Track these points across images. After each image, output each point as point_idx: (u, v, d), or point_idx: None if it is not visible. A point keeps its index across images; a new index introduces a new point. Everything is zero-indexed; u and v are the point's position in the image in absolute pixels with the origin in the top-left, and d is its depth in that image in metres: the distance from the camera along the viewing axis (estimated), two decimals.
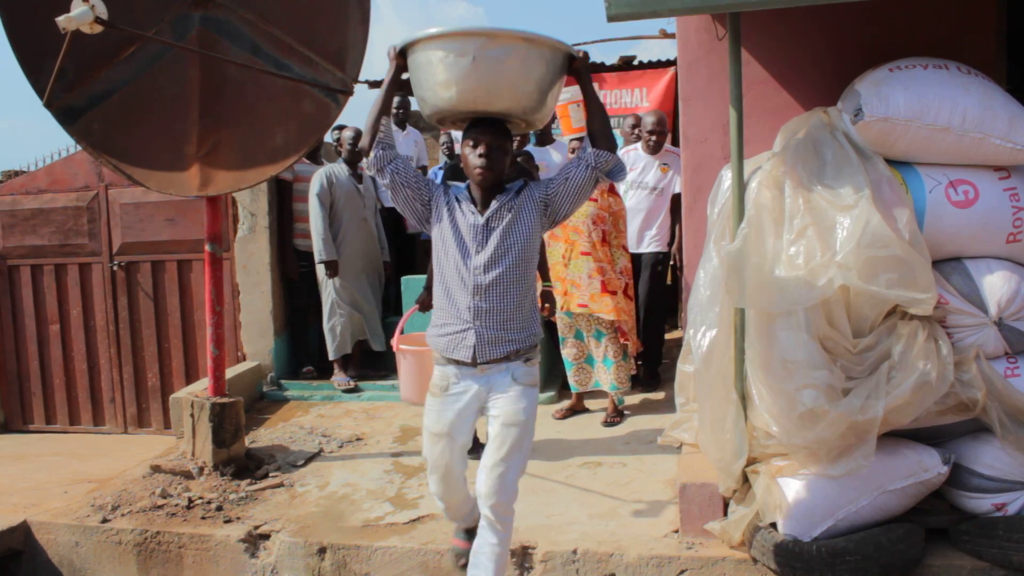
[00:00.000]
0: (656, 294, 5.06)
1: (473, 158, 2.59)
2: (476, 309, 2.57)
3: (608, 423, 4.53)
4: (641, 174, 5.03)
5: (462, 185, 2.73)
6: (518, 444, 2.62)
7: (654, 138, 4.98)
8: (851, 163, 2.80)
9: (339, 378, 5.39)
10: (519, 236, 2.60)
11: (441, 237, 2.64)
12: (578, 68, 2.65)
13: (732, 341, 2.99)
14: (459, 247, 2.60)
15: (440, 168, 6.73)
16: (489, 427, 2.66)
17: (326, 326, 5.38)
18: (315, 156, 5.75)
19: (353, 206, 5.39)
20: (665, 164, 5.01)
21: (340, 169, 5.41)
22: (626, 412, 4.65)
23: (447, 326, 2.63)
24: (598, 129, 2.64)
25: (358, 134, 5.53)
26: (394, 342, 3.89)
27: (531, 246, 2.64)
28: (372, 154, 2.63)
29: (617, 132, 5.44)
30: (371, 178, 6.12)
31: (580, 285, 4.42)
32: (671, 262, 5.22)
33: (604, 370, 4.51)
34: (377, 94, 2.70)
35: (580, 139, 4.62)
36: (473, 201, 2.65)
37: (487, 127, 2.61)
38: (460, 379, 2.64)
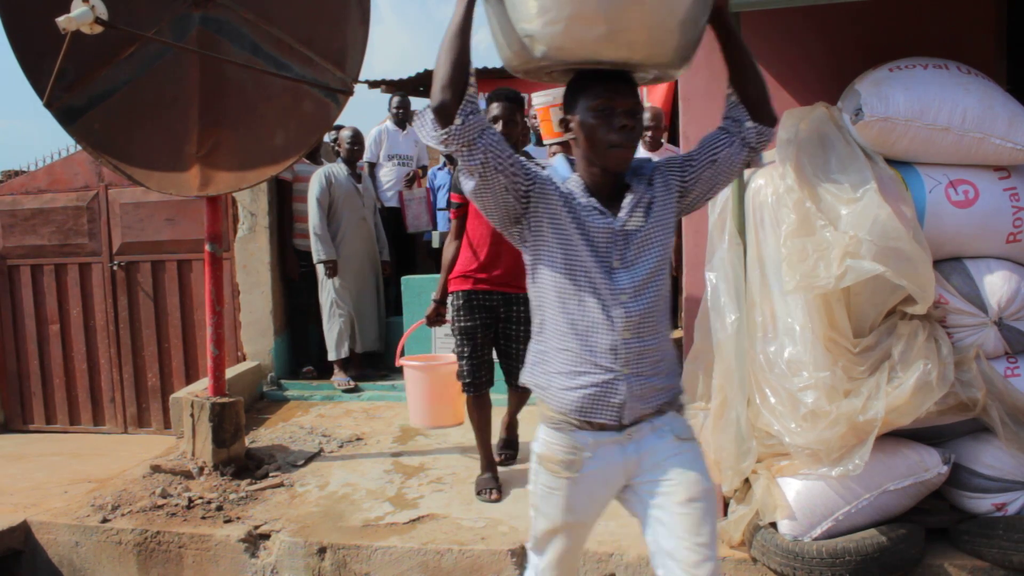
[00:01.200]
0: None
1: (607, 131, 1.81)
2: (626, 351, 1.84)
3: None
4: None
5: (561, 169, 1.95)
6: (713, 517, 1.89)
7: (650, 133, 4.97)
8: (857, 158, 2.80)
9: (339, 378, 5.39)
10: (664, 242, 1.90)
11: (561, 247, 1.85)
12: (721, 6, 1.94)
13: (736, 340, 2.99)
14: (598, 263, 1.84)
15: (440, 168, 6.75)
16: (652, 509, 1.90)
17: (325, 326, 5.38)
18: (315, 156, 5.76)
19: (352, 206, 5.39)
20: None
21: (339, 169, 5.41)
22: None
23: (579, 376, 1.86)
24: (756, 93, 1.93)
25: (356, 134, 5.53)
26: (398, 358, 3.82)
27: (670, 254, 1.96)
28: (459, 119, 1.77)
29: None
30: (370, 177, 6.14)
31: None
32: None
33: None
34: (450, 30, 1.82)
35: (563, 143, 4.38)
36: (591, 193, 1.89)
37: (621, 83, 1.85)
38: (597, 450, 1.88)
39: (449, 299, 3.70)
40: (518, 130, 3.55)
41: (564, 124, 1.92)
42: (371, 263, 5.59)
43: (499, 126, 3.44)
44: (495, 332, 3.70)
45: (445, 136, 1.80)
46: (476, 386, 3.65)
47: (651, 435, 1.90)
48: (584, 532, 2.01)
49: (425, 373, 3.87)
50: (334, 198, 5.31)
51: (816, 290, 2.64)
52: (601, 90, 1.83)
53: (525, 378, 1.99)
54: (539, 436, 1.97)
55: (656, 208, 1.90)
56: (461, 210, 3.66)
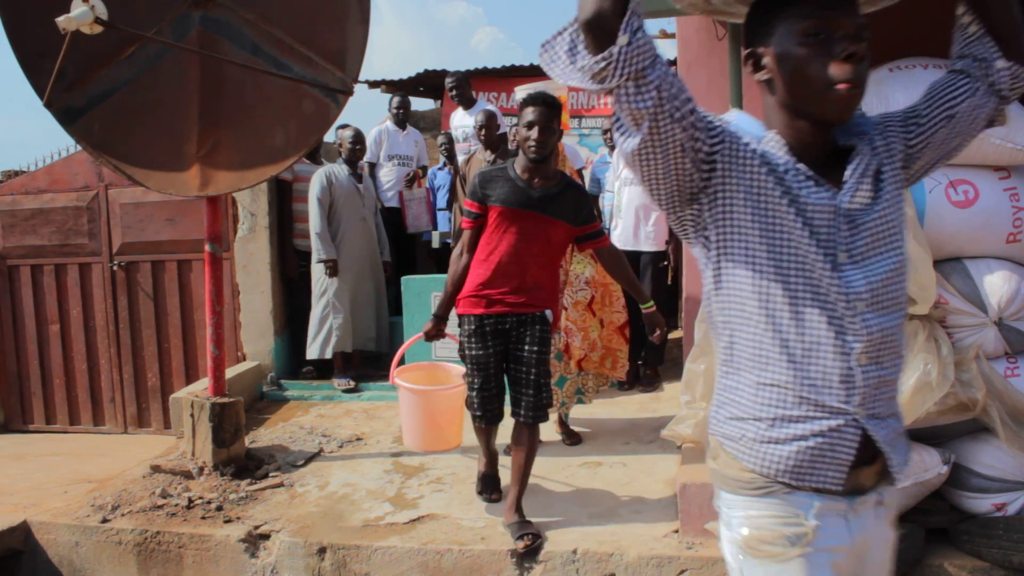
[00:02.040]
0: (658, 293, 5.04)
1: (825, 64, 1.29)
2: (864, 382, 1.31)
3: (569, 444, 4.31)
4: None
5: (747, 124, 1.39)
6: None
7: None
8: None
9: (339, 378, 5.39)
10: (902, 228, 1.39)
11: (764, 233, 1.31)
12: None
13: None
14: (821, 255, 1.30)
15: (440, 168, 6.75)
16: None
17: (313, 323, 5.33)
18: (315, 156, 5.76)
19: (352, 206, 5.39)
20: None
21: (340, 169, 5.41)
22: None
23: (794, 422, 1.32)
24: (1010, 18, 1.41)
25: (358, 134, 5.52)
26: (392, 375, 3.52)
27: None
28: (624, 37, 1.19)
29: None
30: (371, 177, 6.13)
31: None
32: (667, 262, 5.20)
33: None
34: None
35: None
36: (798, 158, 1.34)
37: (844, 3, 1.33)
38: (824, 519, 1.34)
39: (457, 322, 3.37)
40: (555, 139, 3.20)
41: (752, 60, 1.38)
42: (371, 263, 5.59)
43: (535, 132, 3.10)
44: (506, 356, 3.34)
45: (604, 63, 1.20)
46: (487, 419, 3.37)
47: (872, 513, 1.40)
48: None
49: (420, 398, 3.50)
50: (335, 198, 5.30)
51: None
52: (813, 7, 1.29)
53: (711, 427, 1.45)
54: (732, 514, 1.40)
55: (887, 179, 1.37)
56: (478, 221, 3.28)
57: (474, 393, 3.30)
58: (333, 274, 5.26)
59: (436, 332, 3.39)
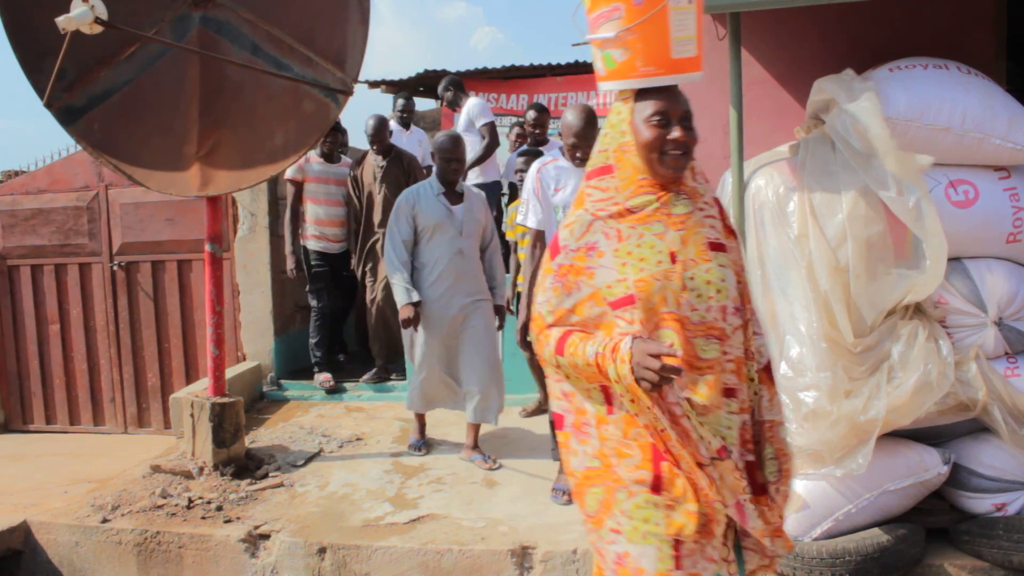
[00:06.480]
0: None
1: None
2: None
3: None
4: (574, 193, 3.77)
5: None
6: None
7: (579, 153, 3.33)
8: (857, 158, 2.81)
9: (413, 440, 4.44)
10: None
11: None
12: None
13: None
14: None
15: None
16: None
17: (411, 378, 4.39)
18: (331, 156, 5.54)
19: (444, 238, 4.11)
20: None
21: (427, 191, 4.16)
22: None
23: None
24: None
25: (456, 144, 4.17)
26: None
27: None
28: None
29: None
30: (476, 194, 4.33)
31: None
32: None
33: None
34: None
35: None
36: None
37: None
38: None
39: None
40: None
41: None
42: (475, 308, 4.17)
43: None
44: None
45: None
46: None
47: None
48: None
49: None
50: (419, 228, 4.12)
51: (809, 301, 2.67)
52: None
53: None
54: None
55: None
56: None
57: None
58: (409, 325, 4.09)
59: None
